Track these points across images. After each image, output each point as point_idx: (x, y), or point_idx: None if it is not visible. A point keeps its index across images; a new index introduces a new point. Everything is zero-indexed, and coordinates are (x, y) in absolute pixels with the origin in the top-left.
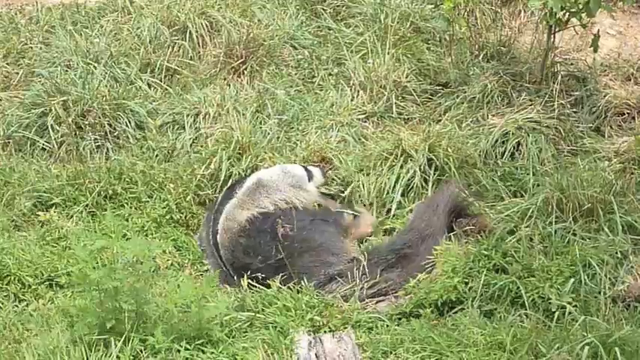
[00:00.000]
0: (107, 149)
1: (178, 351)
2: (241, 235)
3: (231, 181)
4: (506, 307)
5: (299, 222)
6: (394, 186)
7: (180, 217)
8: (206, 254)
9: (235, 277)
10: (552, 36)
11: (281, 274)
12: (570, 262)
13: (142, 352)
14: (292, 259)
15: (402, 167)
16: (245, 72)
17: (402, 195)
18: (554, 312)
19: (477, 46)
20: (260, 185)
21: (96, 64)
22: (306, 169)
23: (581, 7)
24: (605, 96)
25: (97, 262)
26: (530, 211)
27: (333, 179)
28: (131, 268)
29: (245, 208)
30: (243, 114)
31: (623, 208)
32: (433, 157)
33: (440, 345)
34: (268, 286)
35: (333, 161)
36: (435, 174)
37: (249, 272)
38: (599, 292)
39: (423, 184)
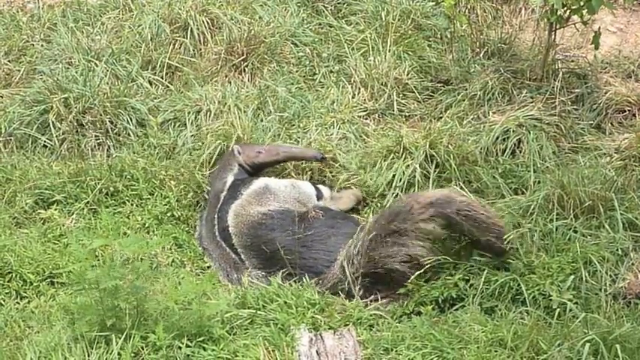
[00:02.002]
0: (108, 146)
1: (179, 348)
2: (264, 218)
3: (228, 180)
4: (507, 304)
5: (330, 212)
6: (394, 182)
7: (182, 214)
8: (208, 253)
9: (247, 262)
10: (553, 33)
11: (306, 248)
12: (571, 259)
13: (143, 350)
14: (321, 238)
15: (402, 164)
16: (246, 69)
17: (403, 191)
18: (555, 309)
19: (477, 43)
20: (268, 191)
21: (97, 62)
22: (316, 188)
23: (582, 4)
24: (605, 93)
25: (97, 260)
26: (531, 208)
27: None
28: (130, 265)
29: (254, 206)
30: (244, 111)
31: (624, 205)
32: (434, 153)
33: (441, 342)
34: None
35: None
36: (435, 171)
37: (271, 246)
38: (600, 289)
39: (424, 181)
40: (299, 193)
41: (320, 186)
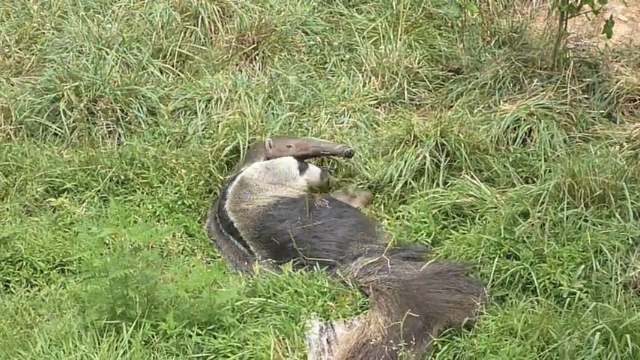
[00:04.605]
0: (119, 135)
1: (190, 336)
2: (270, 209)
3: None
4: (518, 293)
5: (335, 202)
6: (405, 171)
7: (192, 202)
8: (217, 245)
9: (257, 253)
10: (564, 22)
11: (317, 239)
12: (581, 248)
13: (153, 338)
14: (331, 228)
15: (413, 153)
16: (257, 58)
17: (414, 180)
18: (565, 298)
19: (488, 32)
20: (242, 185)
21: (108, 50)
22: (300, 162)
23: None
24: (616, 82)
25: (108, 248)
26: (542, 197)
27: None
28: (139, 254)
29: (239, 203)
30: (255, 100)
31: (635, 194)
32: (445, 142)
33: (451, 330)
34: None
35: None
36: (446, 159)
37: (280, 238)
38: (611, 279)
39: (435, 170)
40: (273, 175)
41: (310, 164)
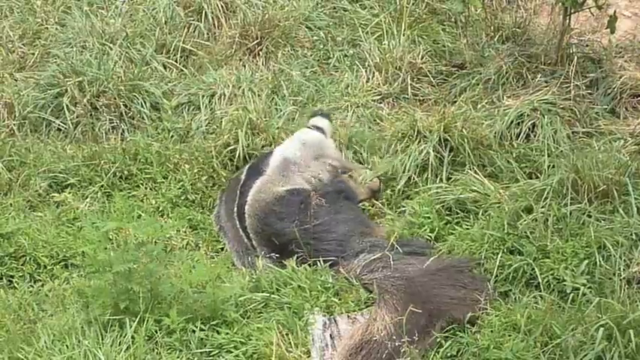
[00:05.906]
0: (122, 130)
1: (193, 331)
2: (275, 204)
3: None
4: (521, 288)
5: (331, 197)
6: (408, 166)
7: (196, 197)
8: (223, 232)
9: (258, 248)
10: (568, 17)
11: (317, 240)
12: (585, 243)
13: (156, 333)
14: (330, 227)
15: (416, 148)
16: (260, 53)
17: (418, 175)
18: (569, 293)
19: (492, 27)
20: (289, 162)
21: (111, 45)
22: (317, 128)
23: None
24: (620, 77)
25: (112, 243)
26: (546, 192)
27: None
28: (143, 249)
29: (279, 184)
30: (259, 95)
31: (639, 190)
32: (448, 137)
33: (455, 326)
34: (296, 252)
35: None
36: (449, 155)
37: (281, 238)
38: (614, 274)
39: (438, 165)
40: (312, 148)
41: (318, 124)
